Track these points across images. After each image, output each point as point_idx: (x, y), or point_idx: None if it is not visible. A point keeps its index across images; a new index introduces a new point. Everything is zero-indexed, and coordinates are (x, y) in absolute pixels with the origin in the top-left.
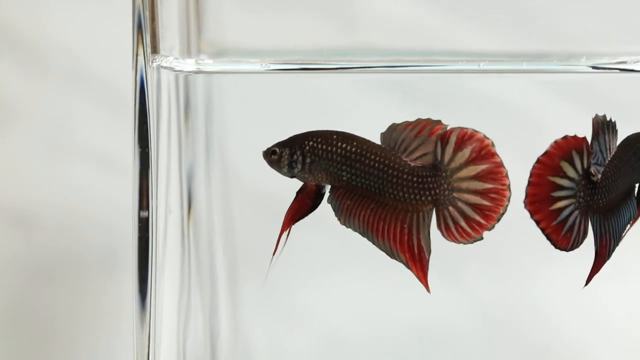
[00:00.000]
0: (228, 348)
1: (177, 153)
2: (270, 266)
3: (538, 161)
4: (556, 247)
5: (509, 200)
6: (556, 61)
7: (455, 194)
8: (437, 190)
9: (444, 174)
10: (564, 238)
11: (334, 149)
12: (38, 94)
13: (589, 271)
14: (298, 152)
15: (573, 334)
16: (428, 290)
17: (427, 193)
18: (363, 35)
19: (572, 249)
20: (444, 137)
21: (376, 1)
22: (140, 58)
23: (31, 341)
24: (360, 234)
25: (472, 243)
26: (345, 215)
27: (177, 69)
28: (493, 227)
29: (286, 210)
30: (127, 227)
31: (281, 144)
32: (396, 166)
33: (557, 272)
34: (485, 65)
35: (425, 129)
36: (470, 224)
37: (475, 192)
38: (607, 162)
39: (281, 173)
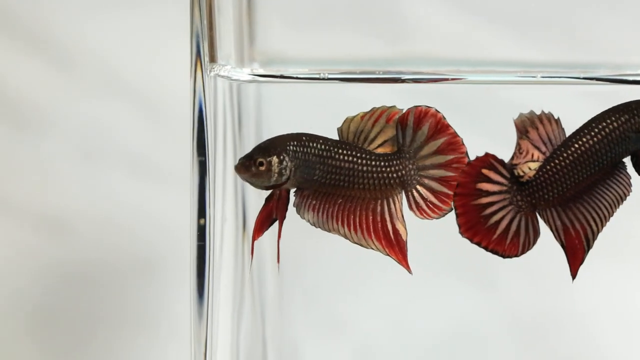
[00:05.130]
0: (276, 353)
1: (232, 161)
2: (279, 273)
3: (455, 194)
4: (504, 256)
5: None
6: (605, 72)
7: (421, 172)
8: (404, 172)
9: (407, 155)
10: (511, 246)
11: (308, 149)
12: (73, 100)
13: (627, 277)
14: (287, 159)
15: (606, 340)
16: (409, 271)
17: (395, 176)
18: (414, 46)
19: (524, 252)
20: (403, 120)
21: (428, 14)
22: (199, 66)
23: (66, 349)
24: (329, 231)
25: (443, 217)
26: (313, 215)
27: (233, 77)
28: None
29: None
30: (161, 235)
31: (261, 153)
32: (364, 155)
33: (590, 278)
34: (541, 76)
35: (382, 116)
36: (440, 197)
37: (439, 166)
38: (549, 154)
39: (260, 186)
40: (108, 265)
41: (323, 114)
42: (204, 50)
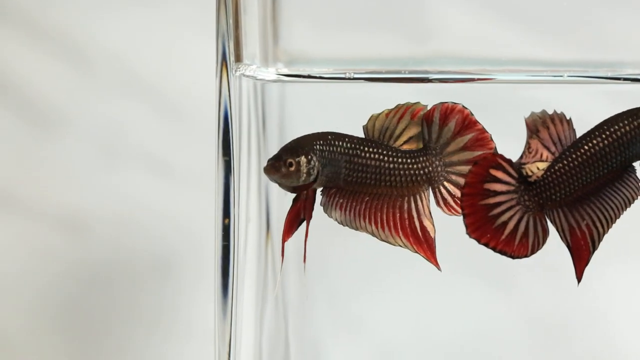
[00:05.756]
0: (299, 352)
1: (256, 161)
2: (306, 276)
3: (463, 195)
4: (513, 257)
5: None
6: (632, 71)
7: (448, 169)
8: (430, 169)
9: (434, 152)
10: (520, 246)
11: (334, 148)
12: (91, 100)
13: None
14: (314, 158)
15: (624, 339)
16: (438, 268)
17: (422, 173)
18: (439, 45)
19: (533, 252)
20: (429, 117)
21: (454, 13)
22: (224, 66)
23: (84, 348)
24: (356, 229)
25: None
26: (341, 213)
27: (259, 77)
28: None
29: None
30: (178, 235)
31: (289, 154)
32: (390, 153)
33: (607, 277)
34: (568, 76)
35: (406, 112)
36: None
37: (467, 162)
38: (558, 154)
39: (289, 186)
40: (125, 265)
41: (347, 113)
42: (229, 49)
